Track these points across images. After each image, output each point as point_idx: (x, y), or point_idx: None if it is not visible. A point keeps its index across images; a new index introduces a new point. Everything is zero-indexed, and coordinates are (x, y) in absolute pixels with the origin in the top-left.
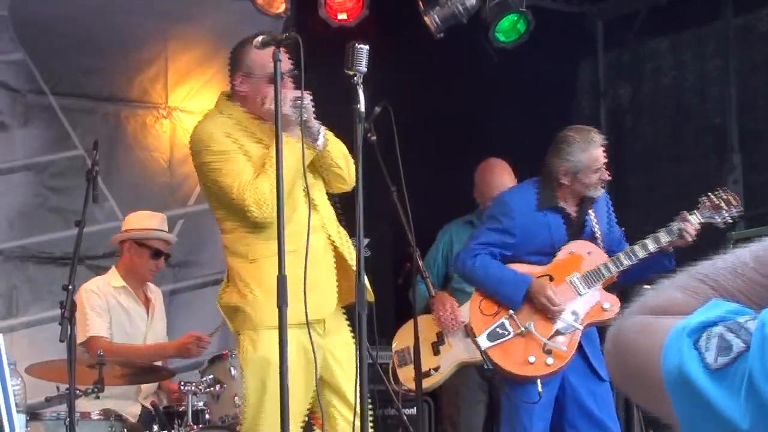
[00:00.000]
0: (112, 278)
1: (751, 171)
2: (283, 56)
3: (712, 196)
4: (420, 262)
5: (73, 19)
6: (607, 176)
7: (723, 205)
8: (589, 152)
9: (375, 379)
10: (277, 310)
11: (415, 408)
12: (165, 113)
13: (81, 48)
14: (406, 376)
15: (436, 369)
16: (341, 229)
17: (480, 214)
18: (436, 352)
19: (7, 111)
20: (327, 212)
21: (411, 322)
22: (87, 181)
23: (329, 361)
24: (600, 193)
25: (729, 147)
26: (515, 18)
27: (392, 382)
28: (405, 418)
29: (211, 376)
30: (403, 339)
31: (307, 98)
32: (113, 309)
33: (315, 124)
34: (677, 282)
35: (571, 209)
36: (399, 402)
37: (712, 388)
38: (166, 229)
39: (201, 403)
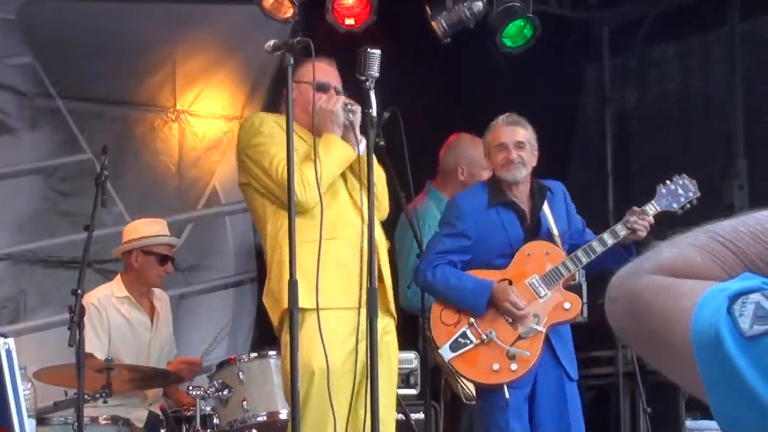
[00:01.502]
0: (116, 288)
1: (757, 176)
2: (332, 71)
3: (668, 182)
4: None
5: (81, 22)
6: (511, 155)
7: (680, 190)
8: (491, 131)
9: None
10: (313, 293)
11: (422, 413)
12: (173, 117)
13: (89, 52)
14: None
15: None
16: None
17: (440, 198)
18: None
19: (15, 115)
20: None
21: None
22: (96, 186)
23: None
24: (511, 175)
25: (735, 152)
26: (522, 23)
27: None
28: (412, 422)
29: (219, 381)
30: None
31: (358, 107)
32: (114, 321)
33: (358, 133)
34: (696, 242)
35: (524, 204)
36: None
37: (741, 356)
38: (168, 233)
39: (209, 408)
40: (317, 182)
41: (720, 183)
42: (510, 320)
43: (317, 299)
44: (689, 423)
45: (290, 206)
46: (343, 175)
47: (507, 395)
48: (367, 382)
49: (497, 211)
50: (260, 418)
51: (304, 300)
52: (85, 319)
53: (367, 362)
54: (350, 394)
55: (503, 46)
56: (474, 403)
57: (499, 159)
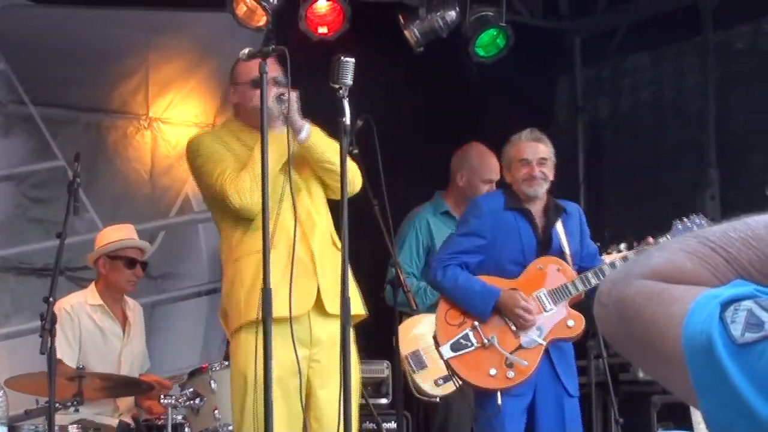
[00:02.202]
0: (90, 296)
1: (729, 186)
2: (271, 64)
3: (685, 219)
4: (402, 276)
5: (54, 29)
6: (534, 171)
7: (695, 228)
8: (513, 145)
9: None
10: (256, 306)
11: (394, 422)
12: (146, 124)
13: (62, 58)
14: (426, 379)
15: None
16: (333, 238)
17: (440, 204)
18: None
19: None
20: (314, 217)
21: (409, 324)
22: (68, 193)
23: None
24: (533, 190)
25: (707, 162)
26: (495, 33)
27: (412, 389)
28: None
29: (191, 389)
30: (408, 342)
31: (293, 94)
32: (86, 328)
33: (299, 120)
34: (686, 247)
35: (537, 215)
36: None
37: (733, 364)
38: (136, 237)
39: (180, 417)
40: (257, 185)
41: (693, 192)
42: (513, 328)
43: (260, 310)
44: None
45: (264, 219)
46: (291, 177)
47: (499, 401)
48: (340, 393)
49: (513, 216)
50: (231, 427)
51: (248, 312)
52: (57, 325)
53: (340, 371)
54: (292, 405)
55: (476, 55)
56: (425, 399)
57: (521, 174)
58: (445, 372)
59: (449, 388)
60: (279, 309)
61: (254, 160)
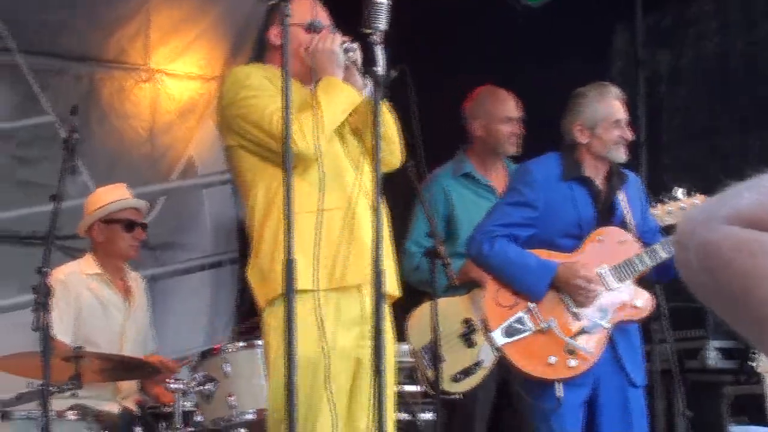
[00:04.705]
0: (86, 265)
1: None
2: (322, 11)
3: None
4: (441, 248)
5: None
6: (629, 135)
7: None
8: (605, 101)
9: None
10: (311, 272)
11: (431, 413)
12: (146, 76)
13: (52, 0)
14: (443, 376)
15: (478, 365)
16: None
17: (462, 162)
18: (471, 344)
19: None
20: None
21: (422, 310)
22: (65, 150)
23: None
24: (623, 156)
25: None
26: None
27: (426, 386)
28: (419, 423)
29: (202, 374)
30: (420, 332)
31: (357, 46)
32: (84, 300)
33: (360, 76)
34: None
35: (599, 182)
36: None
37: None
38: (131, 196)
39: (190, 404)
40: (322, 130)
41: (764, 158)
42: (574, 310)
43: (315, 279)
44: (734, 429)
45: (288, 175)
46: (339, 134)
47: (559, 393)
48: (374, 375)
49: (570, 186)
50: (249, 416)
51: (303, 280)
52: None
53: (372, 352)
54: (347, 387)
55: (524, 0)
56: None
57: (613, 136)
58: (464, 365)
59: (469, 383)
60: (330, 277)
61: (320, 104)
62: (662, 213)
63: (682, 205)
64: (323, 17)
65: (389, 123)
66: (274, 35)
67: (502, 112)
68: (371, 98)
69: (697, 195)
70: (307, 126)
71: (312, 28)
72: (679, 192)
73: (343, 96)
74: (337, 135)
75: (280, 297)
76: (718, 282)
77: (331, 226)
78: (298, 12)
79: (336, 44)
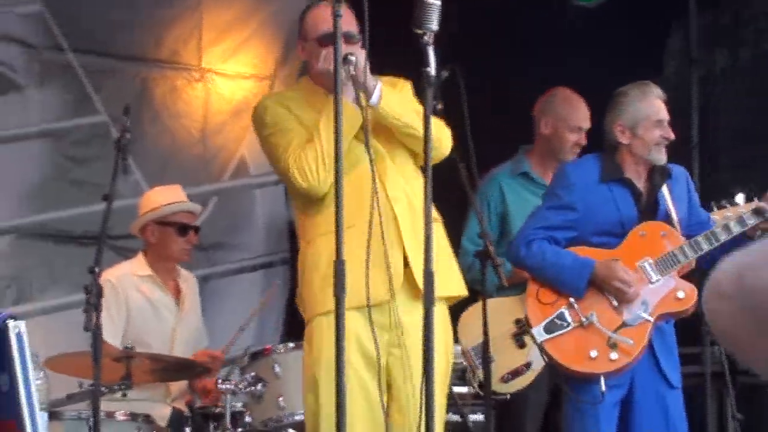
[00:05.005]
0: (138, 266)
1: None
2: (347, 15)
3: None
4: (491, 248)
5: None
6: (671, 135)
7: None
8: (647, 101)
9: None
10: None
11: (481, 414)
12: (198, 76)
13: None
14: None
15: (528, 366)
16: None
17: (521, 162)
18: (522, 345)
19: (21, 70)
20: (398, 189)
21: (473, 311)
22: (116, 150)
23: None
24: (663, 158)
25: None
26: None
27: (474, 386)
28: (470, 425)
29: (252, 374)
30: (471, 332)
31: (360, 54)
32: (134, 303)
33: (370, 81)
34: None
35: (640, 183)
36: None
37: None
38: (186, 198)
39: (240, 404)
40: (322, 162)
41: None
42: (615, 304)
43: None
44: None
45: (338, 191)
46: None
47: (603, 388)
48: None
49: (609, 188)
50: (298, 417)
51: (324, 302)
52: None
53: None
54: (376, 396)
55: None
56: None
57: (655, 136)
58: (514, 366)
59: (519, 384)
60: (355, 297)
61: (320, 134)
62: (721, 219)
63: (742, 211)
64: (347, 23)
65: (419, 119)
66: (299, 50)
67: (573, 120)
68: (379, 106)
69: (755, 200)
70: (308, 164)
71: (325, 40)
72: (740, 197)
73: (344, 118)
74: (360, 149)
75: (310, 319)
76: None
77: (358, 243)
78: (312, 25)
79: (328, 62)
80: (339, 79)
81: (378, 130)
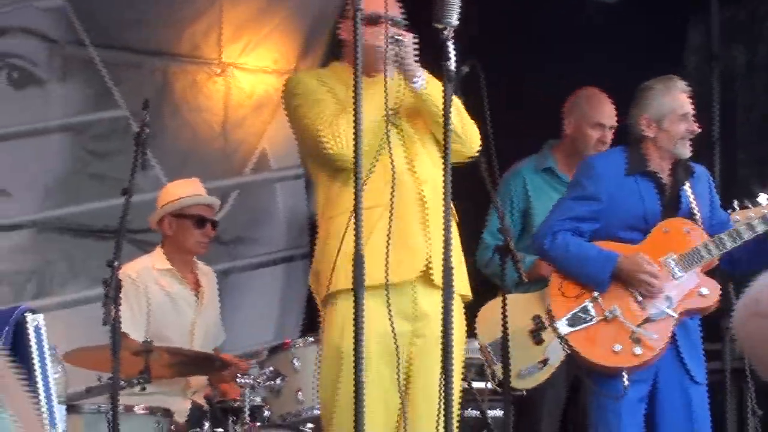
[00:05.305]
0: (157, 260)
1: None
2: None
3: None
4: (511, 244)
5: None
6: (696, 128)
7: None
8: (672, 95)
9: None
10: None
11: (499, 410)
12: (218, 70)
13: None
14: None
15: (544, 363)
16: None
17: (546, 157)
18: (539, 341)
19: (43, 64)
20: (427, 173)
21: (491, 306)
22: (136, 145)
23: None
24: (688, 151)
25: None
26: None
27: (492, 381)
28: (489, 420)
29: (271, 368)
30: (489, 327)
31: (409, 36)
32: (154, 297)
33: (414, 66)
34: None
35: (664, 177)
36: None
37: None
38: (204, 192)
39: (259, 399)
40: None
41: None
42: (639, 299)
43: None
44: None
45: (357, 171)
46: (396, 125)
47: (626, 382)
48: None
49: (635, 180)
50: (317, 411)
51: (342, 280)
52: (121, 294)
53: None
54: (390, 380)
55: None
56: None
57: (680, 130)
58: (531, 362)
59: (535, 380)
60: (376, 275)
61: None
62: (743, 219)
63: (766, 211)
64: (384, 6)
65: (455, 114)
66: (342, 29)
67: (595, 117)
68: (422, 91)
69: None
70: (341, 129)
71: (370, 20)
72: (763, 198)
73: (379, 98)
74: (394, 131)
75: (329, 297)
76: None
77: (378, 223)
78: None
79: (378, 39)
80: (359, 56)
81: (411, 115)
